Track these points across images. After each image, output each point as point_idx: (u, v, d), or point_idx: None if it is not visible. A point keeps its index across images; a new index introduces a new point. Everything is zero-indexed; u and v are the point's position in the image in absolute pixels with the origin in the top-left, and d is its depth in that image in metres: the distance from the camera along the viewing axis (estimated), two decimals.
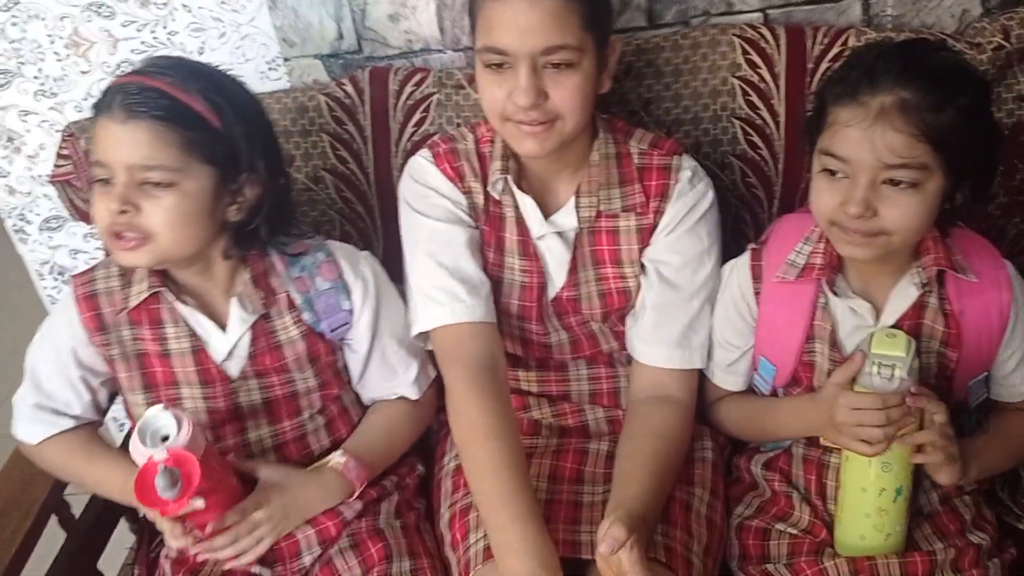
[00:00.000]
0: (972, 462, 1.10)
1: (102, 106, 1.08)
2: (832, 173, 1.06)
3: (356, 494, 1.21)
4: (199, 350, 1.19)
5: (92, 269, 1.24)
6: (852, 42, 1.38)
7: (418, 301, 1.25)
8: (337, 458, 1.21)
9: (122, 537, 1.38)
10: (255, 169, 1.14)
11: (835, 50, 1.38)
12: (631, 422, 1.24)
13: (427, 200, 1.27)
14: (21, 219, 1.73)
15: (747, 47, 1.40)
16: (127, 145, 1.06)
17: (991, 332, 1.13)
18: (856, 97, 1.02)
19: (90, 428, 1.26)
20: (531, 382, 1.36)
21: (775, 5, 1.46)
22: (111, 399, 1.29)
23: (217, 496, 1.08)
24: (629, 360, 1.30)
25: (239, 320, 1.19)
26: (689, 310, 1.24)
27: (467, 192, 1.27)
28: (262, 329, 1.21)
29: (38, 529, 1.21)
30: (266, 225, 1.19)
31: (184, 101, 1.08)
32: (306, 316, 1.22)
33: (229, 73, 1.18)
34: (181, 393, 1.21)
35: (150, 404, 1.16)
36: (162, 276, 1.18)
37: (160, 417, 1.06)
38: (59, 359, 1.21)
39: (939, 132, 0.99)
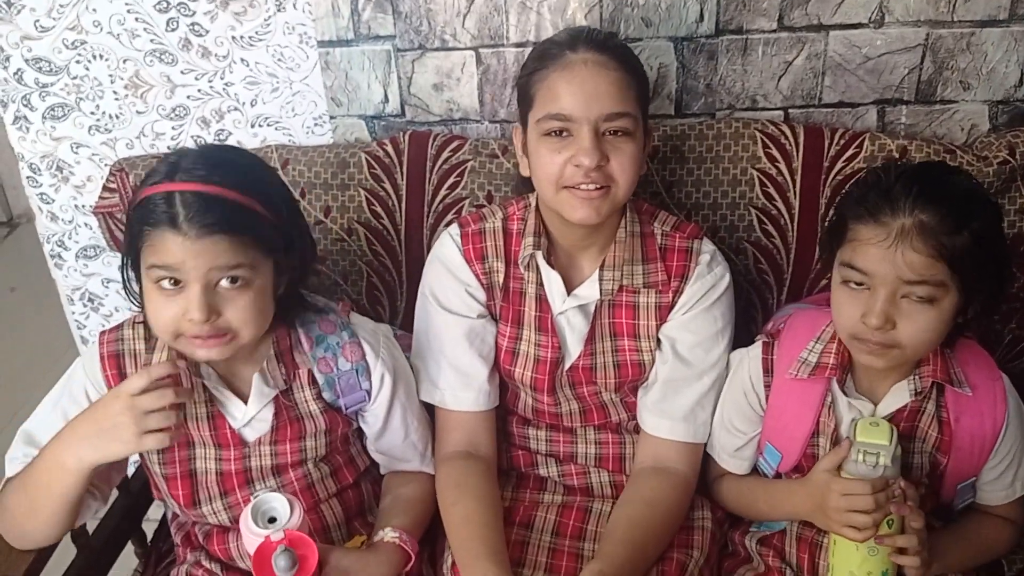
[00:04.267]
0: (937, 559, 1.15)
1: (157, 219, 1.05)
2: (856, 285, 1.12)
3: (413, 562, 1.24)
4: (216, 415, 1.21)
5: (119, 327, 1.24)
6: (867, 145, 1.47)
7: (419, 373, 1.35)
8: (391, 533, 1.23)
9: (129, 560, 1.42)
10: (303, 242, 1.18)
11: (850, 151, 1.47)
12: (627, 490, 1.30)
13: (442, 282, 1.35)
14: (59, 245, 1.80)
15: (768, 142, 1.49)
16: (206, 255, 1.05)
17: (983, 441, 1.18)
18: (877, 217, 1.08)
19: None
20: (540, 441, 1.41)
21: (796, 105, 1.56)
22: None
23: None
24: (636, 429, 1.36)
25: (260, 394, 1.21)
26: (699, 387, 1.30)
27: (486, 273, 1.33)
28: (283, 403, 1.23)
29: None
30: (298, 287, 1.22)
31: (245, 204, 1.08)
32: (326, 395, 1.25)
33: (232, 144, 1.21)
34: (195, 454, 1.23)
35: (164, 464, 1.22)
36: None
37: (270, 499, 1.11)
38: (66, 414, 1.17)
39: (954, 253, 1.05)
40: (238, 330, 1.11)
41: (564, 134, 1.19)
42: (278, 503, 1.11)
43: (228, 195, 1.07)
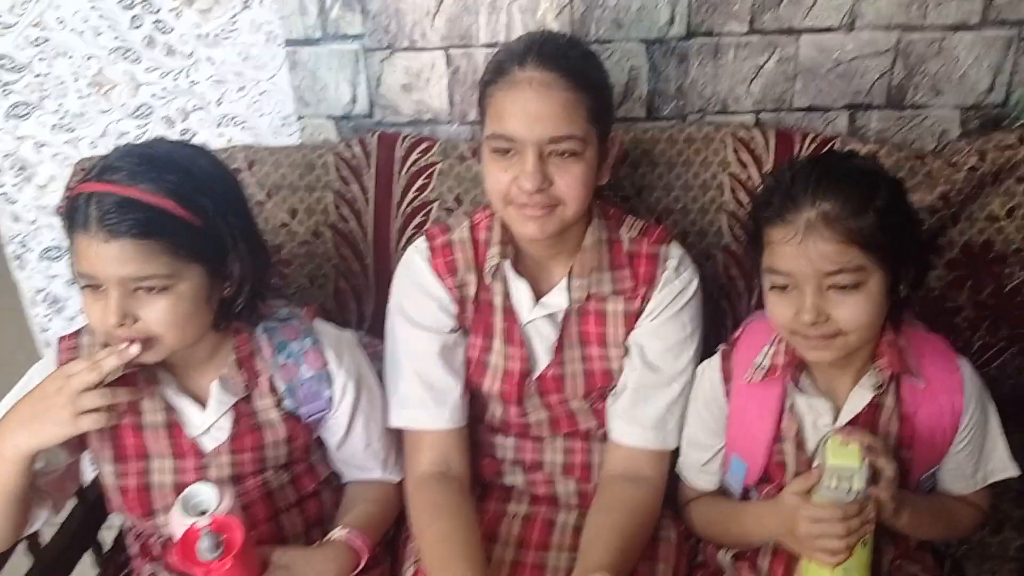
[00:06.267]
0: (905, 510, 1.13)
1: (77, 220, 1.04)
2: (782, 288, 1.12)
3: (364, 562, 1.21)
4: (173, 424, 1.18)
5: (78, 333, 1.21)
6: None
7: (391, 396, 1.32)
8: (339, 532, 1.21)
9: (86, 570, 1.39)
10: (238, 247, 1.13)
11: None
12: (602, 496, 1.28)
13: (412, 299, 1.31)
14: (22, 246, 1.77)
15: (738, 146, 1.48)
16: (115, 262, 1.03)
17: (943, 432, 1.17)
18: (783, 217, 1.08)
19: None
20: (507, 448, 1.39)
21: (767, 109, 1.55)
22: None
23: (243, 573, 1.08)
24: (605, 437, 1.34)
25: (218, 402, 1.18)
26: (668, 394, 1.28)
27: (459, 287, 1.30)
28: (243, 411, 1.20)
29: (6, 553, 1.21)
30: (249, 290, 1.18)
31: (162, 208, 1.04)
32: (287, 402, 1.23)
33: (192, 143, 1.17)
34: (151, 466, 1.19)
35: (119, 475, 1.19)
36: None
37: (200, 491, 1.09)
38: None
39: (864, 235, 1.05)
40: (159, 335, 1.08)
41: (511, 152, 1.17)
42: (207, 495, 1.09)
43: (145, 199, 1.03)
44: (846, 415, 1.18)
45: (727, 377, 1.25)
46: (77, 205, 1.04)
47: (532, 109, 1.14)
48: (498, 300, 1.30)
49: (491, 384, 1.32)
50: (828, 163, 1.12)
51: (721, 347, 1.28)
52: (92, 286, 1.06)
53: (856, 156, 1.17)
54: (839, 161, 1.13)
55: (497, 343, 1.31)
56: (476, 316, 1.31)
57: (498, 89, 1.17)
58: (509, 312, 1.30)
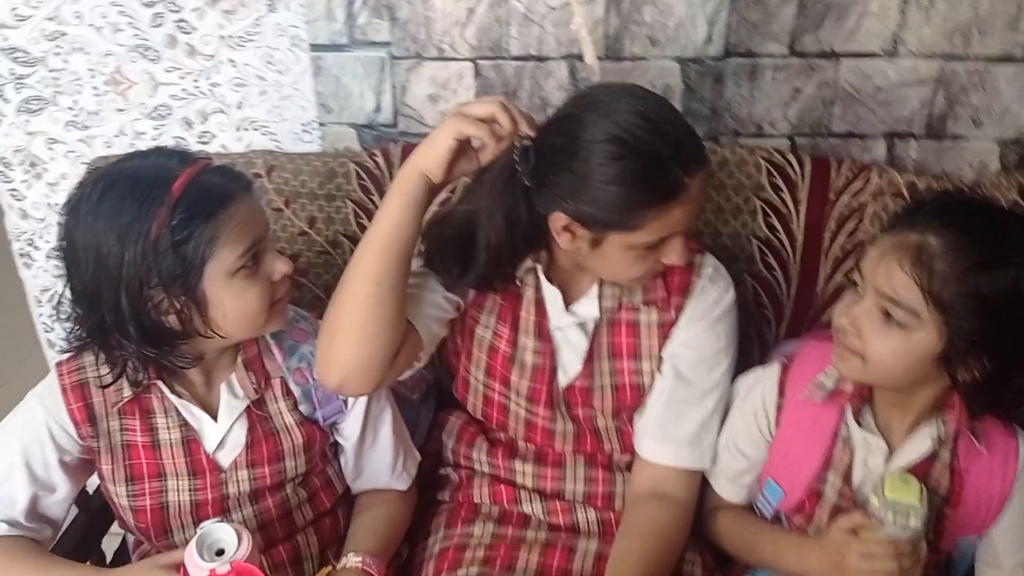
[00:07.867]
0: None
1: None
2: (854, 284, 1.08)
3: None
4: (191, 440, 1.15)
5: (79, 355, 1.14)
6: (874, 179, 1.42)
7: None
8: (354, 559, 1.17)
9: None
10: None
11: (857, 184, 1.43)
12: (629, 518, 1.24)
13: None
14: (29, 244, 1.72)
15: (772, 170, 1.44)
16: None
17: (991, 497, 1.13)
18: (894, 229, 1.04)
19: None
20: (527, 475, 1.34)
21: (803, 133, 1.52)
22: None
23: None
24: (628, 466, 1.30)
25: (229, 407, 1.16)
26: (702, 409, 1.24)
27: None
28: (257, 416, 1.17)
29: None
30: None
31: None
32: (303, 407, 1.20)
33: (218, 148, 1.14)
34: (167, 485, 1.16)
35: (132, 496, 1.15)
36: (158, 368, 1.12)
37: (217, 531, 1.04)
38: (26, 451, 1.12)
39: (942, 291, 0.97)
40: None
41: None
42: (225, 534, 1.04)
43: None
44: (901, 460, 1.13)
45: (782, 392, 1.20)
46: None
47: (698, 204, 1.11)
48: (530, 292, 1.26)
49: (519, 380, 1.28)
50: (977, 207, 1.05)
51: (780, 359, 1.24)
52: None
53: (1020, 225, 1.02)
54: (995, 216, 1.04)
55: (524, 338, 1.27)
56: (504, 305, 1.27)
57: (676, 205, 1.07)
58: (540, 305, 1.26)
